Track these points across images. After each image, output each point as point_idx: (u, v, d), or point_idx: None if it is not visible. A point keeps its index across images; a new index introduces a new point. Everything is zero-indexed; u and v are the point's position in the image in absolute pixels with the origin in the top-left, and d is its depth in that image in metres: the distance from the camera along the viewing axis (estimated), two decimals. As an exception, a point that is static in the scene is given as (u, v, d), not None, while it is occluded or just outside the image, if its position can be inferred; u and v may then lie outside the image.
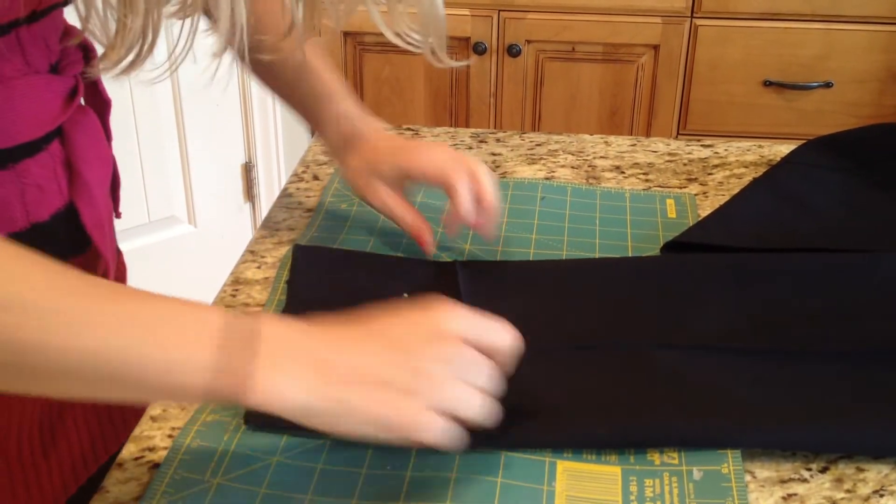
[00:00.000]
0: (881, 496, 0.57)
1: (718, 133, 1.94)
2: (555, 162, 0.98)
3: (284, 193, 0.92)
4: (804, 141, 0.96)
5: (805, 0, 1.82)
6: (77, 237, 0.65)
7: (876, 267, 0.75)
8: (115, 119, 0.73)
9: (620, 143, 1.03)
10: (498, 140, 1.03)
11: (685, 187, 0.93)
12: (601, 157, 0.99)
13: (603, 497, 0.56)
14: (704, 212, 0.88)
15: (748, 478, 0.58)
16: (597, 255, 0.81)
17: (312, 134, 0.84)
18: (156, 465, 0.59)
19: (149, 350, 0.47)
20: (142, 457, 0.59)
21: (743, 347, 0.67)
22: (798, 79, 1.89)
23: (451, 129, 1.05)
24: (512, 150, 1.01)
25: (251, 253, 0.82)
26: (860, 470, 0.59)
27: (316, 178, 0.94)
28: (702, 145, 1.03)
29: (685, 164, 0.98)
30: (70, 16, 0.61)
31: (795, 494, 0.57)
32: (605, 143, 1.03)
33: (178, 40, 0.58)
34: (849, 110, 1.91)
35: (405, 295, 0.73)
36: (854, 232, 0.82)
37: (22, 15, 0.56)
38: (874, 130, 0.96)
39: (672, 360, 0.66)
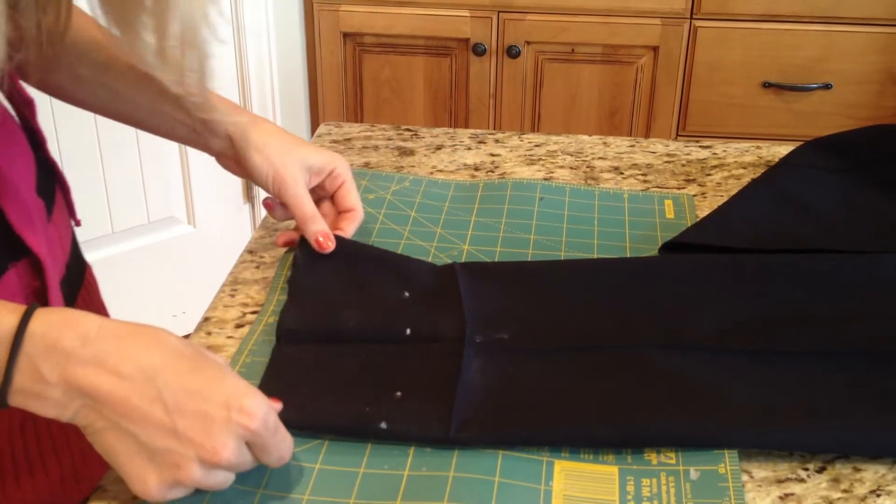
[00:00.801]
0: (878, 496, 0.57)
1: (717, 134, 1.94)
2: (553, 163, 0.98)
3: (283, 194, 0.92)
4: (803, 142, 0.97)
5: (804, 2, 1.82)
6: (12, 240, 0.64)
7: (873, 268, 0.76)
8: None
9: (619, 143, 1.03)
10: (497, 141, 1.03)
11: (683, 188, 0.93)
12: (600, 157, 1.00)
13: (600, 497, 0.56)
14: (703, 212, 0.88)
15: (745, 477, 0.58)
16: (595, 256, 0.81)
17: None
18: (154, 465, 0.59)
19: None
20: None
21: (740, 348, 0.68)
22: (797, 80, 1.89)
23: (451, 130, 1.05)
24: (511, 151, 1.01)
25: (250, 253, 0.82)
26: (857, 470, 0.59)
27: (315, 178, 0.94)
28: (700, 146, 1.03)
29: (683, 165, 0.98)
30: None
31: (792, 494, 0.57)
32: (604, 143, 1.03)
33: None
34: (847, 112, 1.91)
35: (406, 294, 0.73)
36: (852, 233, 0.82)
37: None
38: (872, 132, 0.96)
39: (670, 360, 0.66)
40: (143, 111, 0.77)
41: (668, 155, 1.01)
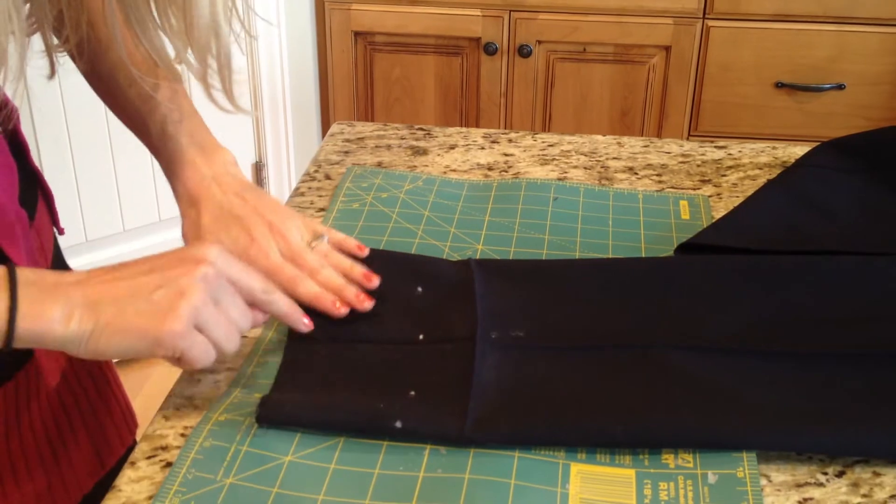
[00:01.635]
0: (898, 501, 0.56)
1: (730, 135, 1.93)
2: (567, 163, 0.98)
3: (296, 193, 0.92)
4: (816, 143, 0.96)
5: (817, 2, 1.81)
6: None
7: (891, 269, 0.75)
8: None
9: (633, 144, 1.02)
10: (510, 140, 1.03)
11: (699, 188, 0.93)
12: (614, 158, 0.99)
13: (617, 500, 0.56)
14: (718, 213, 0.87)
15: (764, 482, 0.58)
16: (610, 257, 0.80)
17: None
18: (168, 465, 0.58)
19: None
20: (154, 455, 0.59)
21: (758, 349, 0.67)
22: (810, 81, 1.88)
23: (464, 130, 1.05)
24: (524, 151, 1.00)
25: (263, 252, 0.81)
26: (877, 474, 0.58)
27: (328, 177, 0.94)
28: (715, 146, 1.02)
29: (699, 166, 0.98)
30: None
31: (812, 499, 0.57)
32: (618, 143, 1.02)
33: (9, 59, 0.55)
34: (861, 112, 1.90)
35: (419, 290, 0.73)
36: (869, 234, 0.81)
37: None
38: (887, 133, 0.96)
39: (686, 361, 0.65)
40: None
41: (682, 155, 1.00)
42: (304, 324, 0.66)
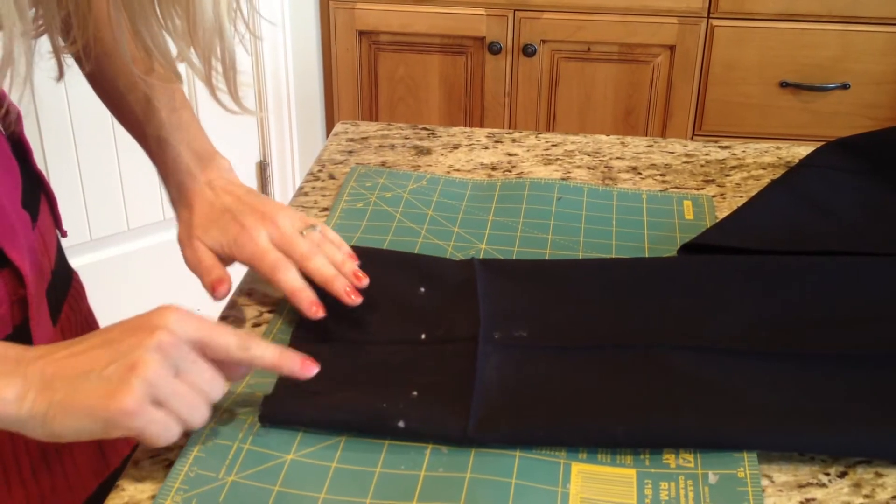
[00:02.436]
0: (900, 502, 0.56)
1: (734, 134, 1.93)
2: (571, 162, 0.98)
3: (300, 192, 0.92)
4: (820, 143, 0.96)
5: (822, 1, 1.81)
6: None
7: (895, 269, 0.75)
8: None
9: (637, 143, 1.02)
10: (514, 140, 1.03)
11: (703, 189, 0.93)
12: (617, 157, 0.99)
13: (618, 500, 0.56)
14: (722, 213, 0.87)
15: (766, 482, 0.58)
16: (613, 257, 0.80)
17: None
18: (171, 464, 0.59)
19: None
20: (157, 455, 0.60)
21: (760, 350, 0.67)
22: (814, 80, 1.88)
23: (468, 129, 1.05)
24: (528, 151, 1.00)
25: (266, 251, 0.82)
26: (879, 475, 0.58)
27: (332, 177, 0.94)
28: (719, 146, 1.02)
29: (702, 166, 0.98)
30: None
31: (814, 499, 0.57)
32: (622, 143, 1.02)
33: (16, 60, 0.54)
34: (865, 112, 1.89)
35: (422, 290, 0.73)
36: (873, 234, 0.81)
37: None
38: (892, 133, 0.96)
39: (689, 361, 0.65)
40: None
41: (686, 155, 1.00)
42: (299, 369, 0.60)
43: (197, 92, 1.89)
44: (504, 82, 1.96)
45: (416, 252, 0.80)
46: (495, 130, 1.05)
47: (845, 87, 1.88)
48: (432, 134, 1.04)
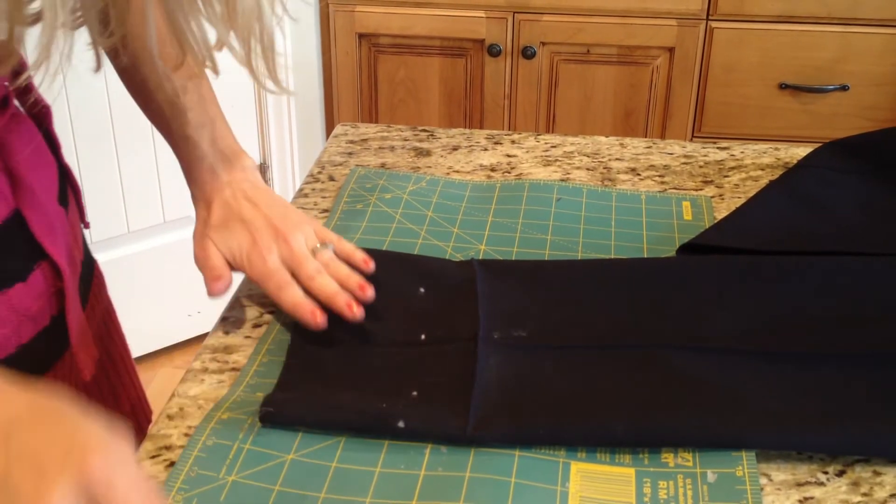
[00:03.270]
0: (898, 500, 0.57)
1: (733, 136, 1.93)
2: (570, 164, 0.98)
3: (300, 194, 0.92)
4: (820, 144, 0.96)
5: (821, 3, 1.81)
6: (29, 245, 0.65)
7: (892, 269, 0.75)
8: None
9: (636, 145, 1.03)
10: (513, 142, 1.03)
11: (701, 189, 0.93)
12: (616, 159, 0.99)
13: (617, 498, 0.56)
14: (720, 214, 0.87)
15: (764, 480, 0.58)
16: (612, 257, 0.81)
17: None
18: (172, 464, 0.59)
19: None
20: (158, 455, 0.60)
21: (758, 349, 0.67)
22: (814, 82, 1.88)
23: (467, 131, 1.05)
24: (527, 152, 1.01)
25: (267, 252, 0.82)
26: (877, 474, 0.58)
27: (332, 178, 0.95)
28: (718, 148, 1.02)
29: (701, 167, 0.98)
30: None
31: (812, 498, 0.57)
32: (621, 145, 1.03)
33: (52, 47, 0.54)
34: (865, 113, 1.90)
35: (421, 290, 0.73)
36: (871, 235, 0.81)
37: None
38: (891, 134, 0.96)
39: (687, 361, 0.66)
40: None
41: (685, 156, 1.00)
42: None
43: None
44: (504, 84, 1.97)
45: (415, 253, 0.80)
46: (494, 132, 1.05)
47: (844, 88, 1.88)
48: (432, 136, 1.04)
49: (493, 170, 0.97)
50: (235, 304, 0.75)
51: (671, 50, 1.89)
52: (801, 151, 0.98)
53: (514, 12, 1.90)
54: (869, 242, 0.80)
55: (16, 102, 0.66)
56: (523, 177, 0.95)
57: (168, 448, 0.60)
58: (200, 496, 0.55)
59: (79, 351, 0.68)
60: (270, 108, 2.04)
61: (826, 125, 1.91)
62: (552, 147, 1.02)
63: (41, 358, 0.67)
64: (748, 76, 1.89)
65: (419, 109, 2.02)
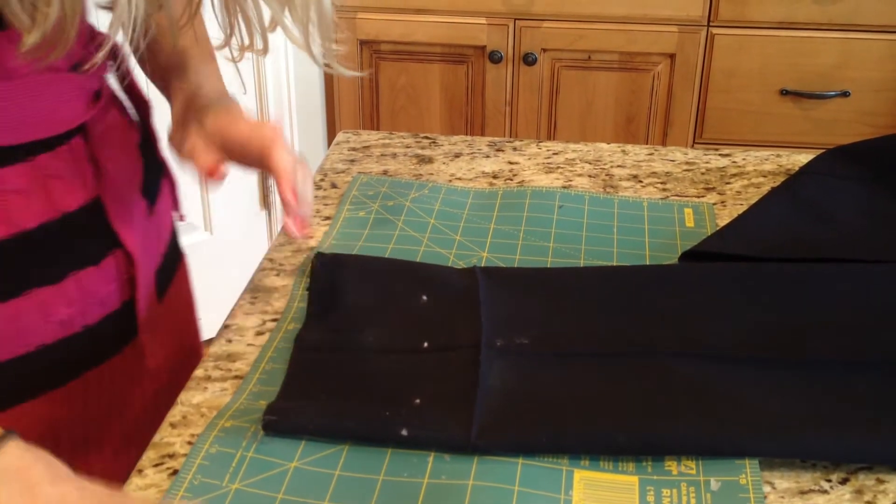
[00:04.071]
0: (901, 508, 0.56)
1: (734, 142, 1.93)
2: (572, 171, 0.98)
3: (302, 201, 0.92)
4: (821, 150, 0.96)
5: (822, 9, 1.82)
6: (105, 231, 0.68)
7: (894, 276, 0.75)
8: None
9: (638, 152, 1.03)
10: (515, 149, 1.03)
11: (703, 196, 0.93)
12: (618, 166, 0.99)
13: (621, 506, 0.56)
14: (723, 221, 0.88)
15: (767, 489, 0.58)
16: (615, 264, 0.81)
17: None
18: (175, 472, 0.59)
19: None
20: (161, 463, 0.60)
21: (762, 356, 0.67)
22: (815, 88, 1.88)
23: (469, 138, 1.05)
24: (529, 159, 1.01)
25: (270, 261, 0.82)
26: (880, 481, 0.58)
27: (334, 185, 0.95)
28: (720, 154, 1.02)
29: (703, 174, 0.98)
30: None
31: (815, 505, 0.57)
32: (623, 152, 1.03)
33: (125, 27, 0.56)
34: (865, 119, 1.90)
35: (424, 298, 0.73)
36: (873, 241, 0.81)
37: None
38: (891, 140, 0.96)
39: (690, 368, 0.66)
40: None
41: (687, 163, 1.00)
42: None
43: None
44: (505, 91, 1.97)
45: (417, 260, 0.80)
46: (496, 139, 1.06)
47: (845, 94, 1.88)
48: (434, 143, 1.04)
49: (495, 177, 0.97)
50: (238, 312, 0.75)
51: (672, 56, 1.89)
52: (803, 158, 0.99)
53: (516, 19, 1.90)
54: (871, 249, 0.80)
55: (118, 95, 0.69)
56: (525, 184, 0.95)
57: (171, 456, 0.60)
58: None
59: (146, 339, 0.71)
60: (272, 113, 2.05)
61: (827, 131, 1.91)
62: (554, 154, 1.02)
63: (108, 340, 0.70)
64: (749, 82, 1.89)
65: (420, 116, 2.02)
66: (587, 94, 1.95)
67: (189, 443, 0.61)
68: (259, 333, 0.72)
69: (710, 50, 1.88)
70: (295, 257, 0.82)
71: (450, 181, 0.95)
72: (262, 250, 0.85)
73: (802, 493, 0.58)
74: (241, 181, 2.04)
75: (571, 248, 0.83)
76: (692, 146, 1.94)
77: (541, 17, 1.89)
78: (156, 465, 0.60)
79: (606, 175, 0.97)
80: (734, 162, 1.01)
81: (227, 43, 0.66)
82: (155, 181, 0.76)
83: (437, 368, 0.66)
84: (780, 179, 0.96)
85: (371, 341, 0.69)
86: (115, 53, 0.66)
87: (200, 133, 0.73)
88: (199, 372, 0.68)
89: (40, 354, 0.65)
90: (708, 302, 0.73)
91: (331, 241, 0.84)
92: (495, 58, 1.92)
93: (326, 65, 0.67)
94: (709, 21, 1.86)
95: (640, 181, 0.96)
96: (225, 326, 0.73)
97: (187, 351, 0.83)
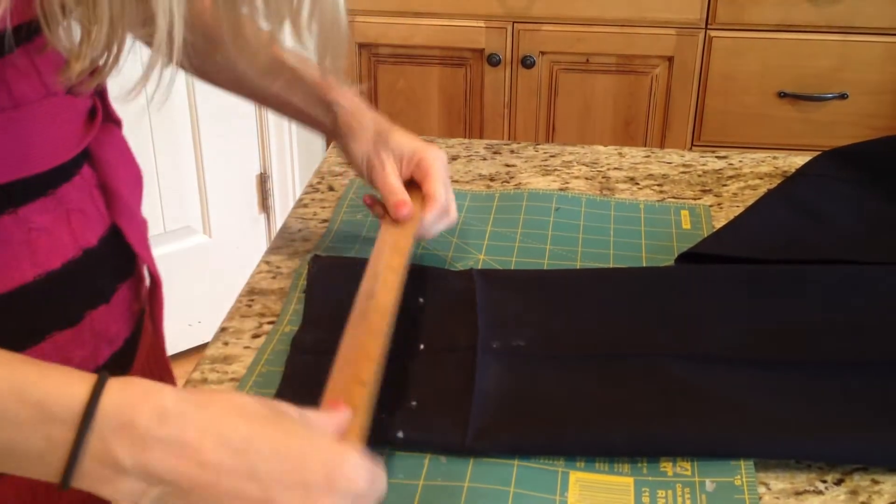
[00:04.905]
0: (896, 509, 0.57)
1: (733, 144, 1.93)
2: (569, 173, 0.98)
3: (300, 204, 0.92)
4: (819, 152, 0.96)
5: (820, 11, 1.82)
6: (124, 258, 0.66)
7: (890, 278, 0.75)
8: (131, 128, 0.73)
9: (634, 154, 1.03)
10: (512, 151, 1.03)
11: (699, 198, 0.93)
12: (615, 168, 1.00)
13: (616, 508, 0.56)
14: (719, 223, 0.88)
15: (763, 489, 0.58)
16: (611, 266, 0.81)
17: (325, 136, 0.83)
18: (171, 473, 0.59)
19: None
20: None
21: (757, 358, 0.67)
22: (813, 90, 1.89)
23: (466, 141, 1.06)
24: (526, 162, 1.01)
25: (267, 263, 0.82)
26: (875, 482, 0.59)
27: (331, 188, 0.95)
28: (716, 157, 1.03)
29: (699, 176, 0.98)
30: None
31: (810, 506, 0.57)
32: (619, 154, 1.03)
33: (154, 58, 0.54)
34: (864, 122, 1.90)
35: (420, 300, 0.73)
36: (869, 243, 0.82)
37: (26, 19, 0.54)
38: (888, 142, 0.96)
39: (686, 370, 0.66)
40: (271, 100, 0.81)
41: (683, 165, 1.01)
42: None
43: (197, 101, 1.90)
44: (503, 94, 1.97)
45: (415, 263, 0.80)
46: (493, 142, 1.06)
47: (843, 97, 1.88)
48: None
49: (492, 179, 0.97)
50: (235, 315, 0.75)
51: (670, 59, 1.89)
52: (800, 160, 0.99)
53: (514, 22, 1.90)
54: (867, 251, 0.80)
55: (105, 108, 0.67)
56: (522, 186, 0.95)
57: (167, 459, 0.60)
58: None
59: (141, 371, 0.68)
60: (271, 118, 2.05)
61: (825, 133, 1.91)
62: (551, 156, 1.02)
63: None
64: (747, 85, 1.89)
65: (419, 119, 2.02)
66: (585, 97, 1.95)
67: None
68: (255, 336, 0.72)
69: (708, 52, 1.88)
70: (292, 260, 0.82)
71: (447, 184, 0.95)
72: (261, 253, 0.85)
73: (797, 493, 0.58)
74: (240, 185, 2.05)
75: (568, 251, 0.83)
76: (690, 148, 1.94)
77: (539, 20, 1.89)
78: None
79: (603, 177, 0.97)
80: (731, 164, 1.01)
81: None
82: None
83: (434, 371, 0.67)
84: (776, 181, 0.96)
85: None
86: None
87: (390, 158, 0.78)
88: (195, 374, 0.68)
89: None
90: (703, 304, 0.73)
91: (328, 243, 0.84)
92: (494, 61, 1.93)
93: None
94: (707, 24, 1.86)
95: (637, 183, 0.96)
96: (222, 329, 0.74)
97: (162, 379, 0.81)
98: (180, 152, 1.92)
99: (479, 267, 0.80)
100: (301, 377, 0.66)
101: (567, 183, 0.96)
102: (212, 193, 1.97)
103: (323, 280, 0.76)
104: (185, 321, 1.97)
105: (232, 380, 0.67)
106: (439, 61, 1.96)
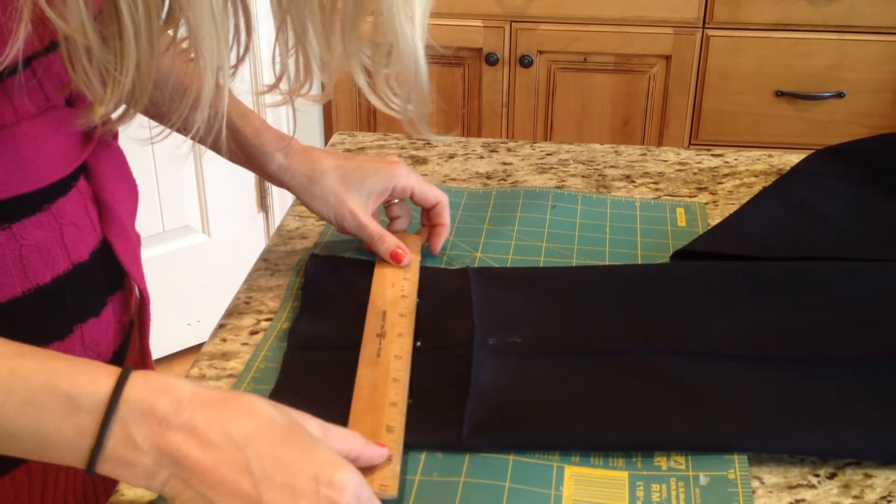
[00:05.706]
0: (888, 502, 0.57)
1: (730, 143, 1.94)
2: (565, 171, 0.99)
3: (298, 203, 0.93)
4: (815, 150, 0.97)
5: (817, 10, 1.82)
6: (114, 273, 0.65)
7: (884, 275, 0.76)
8: (130, 128, 0.73)
9: (631, 152, 1.03)
10: (509, 149, 1.04)
11: (695, 196, 0.94)
12: (611, 166, 1.00)
13: (610, 502, 0.56)
14: (714, 221, 0.88)
15: (756, 483, 0.58)
16: (607, 264, 0.81)
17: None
18: (169, 469, 0.59)
19: (25, 422, 0.48)
20: (156, 460, 0.60)
21: (751, 354, 0.68)
22: (810, 89, 1.89)
23: (463, 139, 1.06)
24: (523, 160, 1.01)
25: (264, 261, 0.83)
26: (868, 476, 0.59)
27: (328, 186, 0.95)
28: (712, 155, 1.03)
29: (695, 174, 0.99)
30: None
31: (803, 500, 0.57)
32: (616, 152, 1.03)
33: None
34: (861, 120, 1.91)
35: (417, 299, 0.74)
36: (863, 241, 0.82)
37: (39, 47, 0.55)
38: (885, 140, 0.97)
39: (681, 365, 0.66)
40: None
41: (679, 163, 1.01)
42: None
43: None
44: (501, 93, 1.98)
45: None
46: (490, 140, 1.06)
47: (840, 95, 1.89)
48: (428, 144, 1.05)
49: (488, 177, 0.97)
50: (233, 312, 0.76)
51: (668, 58, 1.90)
52: (795, 158, 0.99)
53: (512, 21, 1.91)
54: (861, 248, 0.80)
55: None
56: (519, 184, 0.96)
57: (166, 454, 0.61)
58: None
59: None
60: (269, 118, 2.05)
61: (822, 132, 1.92)
62: (547, 155, 1.03)
63: None
64: (744, 84, 1.90)
65: (417, 118, 2.03)
66: (583, 96, 1.96)
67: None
68: (253, 333, 0.73)
69: (705, 51, 1.88)
70: (289, 258, 0.83)
71: (444, 182, 0.96)
72: (259, 252, 0.85)
73: (790, 487, 0.58)
74: (238, 184, 2.05)
75: (564, 248, 0.83)
76: (688, 147, 1.95)
77: (537, 20, 1.90)
78: (150, 463, 0.60)
79: (599, 175, 0.98)
80: (726, 162, 1.01)
81: (275, 85, 0.65)
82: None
83: (430, 368, 0.67)
84: (771, 179, 0.97)
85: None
86: None
87: (367, 204, 0.79)
88: (193, 371, 0.69)
89: None
90: (698, 300, 0.74)
91: (325, 241, 0.84)
92: (492, 60, 1.93)
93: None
94: (704, 23, 1.87)
95: (633, 181, 0.97)
96: (220, 326, 0.74)
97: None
98: (177, 151, 1.92)
99: (476, 265, 0.80)
100: (299, 373, 0.67)
101: (563, 181, 0.97)
102: (210, 192, 1.97)
103: (320, 278, 0.77)
104: (185, 320, 1.98)
105: (230, 376, 0.68)
106: (437, 60, 1.97)
